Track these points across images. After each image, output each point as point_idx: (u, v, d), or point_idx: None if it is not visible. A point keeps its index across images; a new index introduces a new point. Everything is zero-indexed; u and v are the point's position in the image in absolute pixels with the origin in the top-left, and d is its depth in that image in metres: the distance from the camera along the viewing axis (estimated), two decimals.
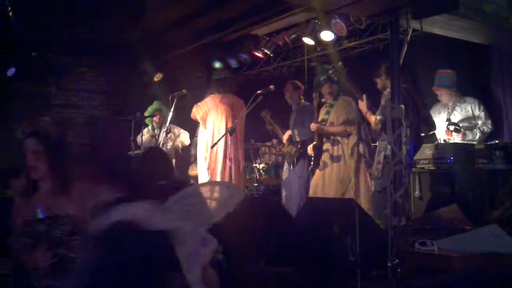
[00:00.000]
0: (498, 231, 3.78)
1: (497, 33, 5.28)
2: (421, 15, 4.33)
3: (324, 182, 5.61)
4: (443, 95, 6.02)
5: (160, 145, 6.33)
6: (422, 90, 5.85)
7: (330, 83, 5.65)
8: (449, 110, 6.00)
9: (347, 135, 5.53)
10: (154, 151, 3.86)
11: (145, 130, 7.39)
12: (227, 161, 5.75)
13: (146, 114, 7.10)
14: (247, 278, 3.87)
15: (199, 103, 6.11)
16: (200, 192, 3.08)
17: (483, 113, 5.88)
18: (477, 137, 5.84)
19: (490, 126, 5.86)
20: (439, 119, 5.96)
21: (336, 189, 5.49)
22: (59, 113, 9.27)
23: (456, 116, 5.96)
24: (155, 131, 7.09)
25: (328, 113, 5.65)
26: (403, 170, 3.97)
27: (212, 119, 5.93)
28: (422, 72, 6.20)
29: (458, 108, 5.96)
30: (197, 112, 6.05)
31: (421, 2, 4.25)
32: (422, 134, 5.33)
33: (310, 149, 5.69)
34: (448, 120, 5.91)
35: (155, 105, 7.23)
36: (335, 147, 5.56)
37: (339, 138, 5.56)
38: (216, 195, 3.08)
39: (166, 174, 3.33)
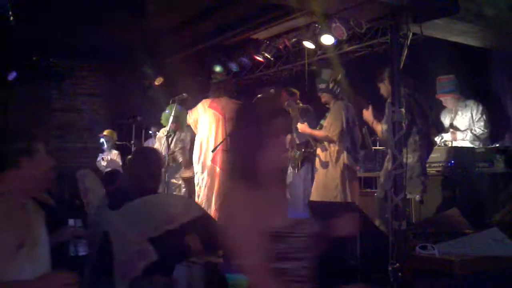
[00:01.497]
0: (499, 234, 3.77)
1: (498, 37, 5.28)
2: (421, 19, 4.34)
3: (315, 187, 5.68)
4: (448, 101, 6.00)
5: (165, 149, 6.34)
6: (427, 95, 5.84)
7: (322, 94, 5.73)
8: (452, 115, 6.00)
9: (331, 142, 5.54)
10: (140, 152, 3.79)
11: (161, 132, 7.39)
12: (212, 167, 5.77)
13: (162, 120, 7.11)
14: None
15: (192, 109, 6.14)
16: (152, 203, 3.09)
17: (479, 115, 5.86)
18: (467, 138, 5.81)
19: (483, 129, 5.82)
20: (444, 123, 5.99)
21: (322, 194, 5.51)
22: (60, 117, 9.28)
23: (459, 120, 5.95)
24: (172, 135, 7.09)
25: (325, 118, 5.70)
26: (404, 173, 3.97)
27: (202, 124, 5.96)
28: (423, 76, 6.19)
29: (459, 112, 5.96)
30: (189, 118, 6.11)
31: (421, 6, 4.25)
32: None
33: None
34: (451, 125, 5.92)
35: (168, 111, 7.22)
36: (324, 153, 5.61)
37: (326, 144, 5.59)
38: (165, 208, 3.10)
39: (147, 176, 3.28)
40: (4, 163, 2.16)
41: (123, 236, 2.83)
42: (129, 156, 3.58)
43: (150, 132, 8.19)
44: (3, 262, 2.08)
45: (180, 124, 6.57)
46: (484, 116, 5.84)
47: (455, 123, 5.98)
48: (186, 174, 6.87)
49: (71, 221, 2.81)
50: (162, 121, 7.06)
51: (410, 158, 4.70)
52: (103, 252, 2.81)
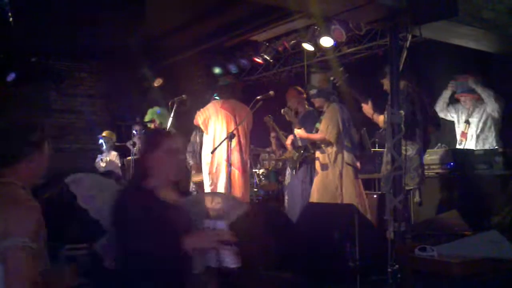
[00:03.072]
0: (498, 236, 3.78)
1: (497, 40, 5.29)
2: (420, 21, 4.34)
3: (315, 189, 5.71)
4: (467, 101, 6.01)
5: None
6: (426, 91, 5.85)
7: (314, 99, 5.84)
8: (469, 112, 6.03)
9: (329, 144, 5.58)
10: None
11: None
12: (228, 167, 5.73)
13: (146, 119, 7.11)
14: (245, 283, 3.87)
15: (201, 109, 6.10)
16: (203, 201, 3.09)
17: (495, 104, 5.87)
18: (482, 117, 5.86)
19: (498, 110, 5.84)
20: (460, 119, 6.02)
21: (323, 196, 5.54)
22: (59, 118, 9.27)
23: (475, 116, 5.97)
24: None
25: (320, 121, 5.75)
26: (403, 174, 3.97)
27: (213, 124, 5.93)
28: (424, 77, 6.20)
29: (476, 109, 5.98)
30: (199, 118, 6.03)
31: (420, 9, 4.26)
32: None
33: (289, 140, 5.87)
34: (467, 121, 5.96)
35: (149, 114, 7.22)
36: (322, 155, 5.67)
37: (323, 146, 5.64)
38: (216, 206, 3.08)
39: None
40: (19, 155, 2.19)
41: None
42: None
43: (134, 132, 8.02)
44: (41, 259, 2.11)
45: (161, 125, 6.70)
46: (499, 105, 5.85)
47: (471, 119, 6.00)
48: (197, 178, 6.78)
49: (220, 224, 2.40)
50: (146, 119, 7.07)
51: (409, 150, 4.74)
52: None
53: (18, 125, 2.29)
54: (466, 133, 5.95)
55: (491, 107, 5.87)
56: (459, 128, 6.11)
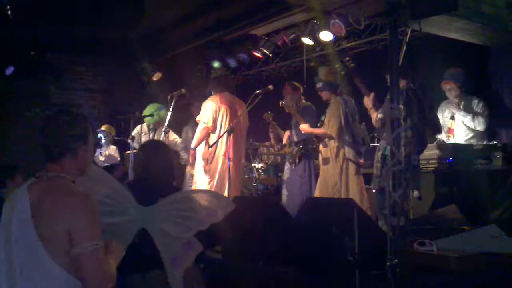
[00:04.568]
0: (497, 231, 3.80)
1: (496, 34, 5.29)
2: (420, 16, 4.34)
3: (318, 183, 5.75)
4: (452, 90, 6.01)
5: None
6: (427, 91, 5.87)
7: (321, 91, 5.82)
8: (454, 107, 6.04)
9: (331, 138, 5.61)
10: (158, 145, 3.63)
11: (140, 128, 7.27)
12: (226, 161, 5.73)
13: (145, 113, 7.07)
14: (245, 277, 3.88)
15: (205, 105, 6.03)
16: (191, 198, 3.07)
17: (481, 110, 5.91)
18: (464, 133, 5.90)
19: (481, 125, 5.88)
20: (444, 117, 6.04)
21: (323, 191, 5.56)
22: None
23: (461, 113, 5.98)
24: (150, 132, 7.10)
25: (325, 114, 5.77)
26: (402, 170, 3.97)
27: (219, 119, 5.89)
28: (423, 72, 6.21)
29: (461, 106, 6.01)
30: (207, 111, 5.92)
31: (419, 3, 4.26)
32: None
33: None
34: (452, 117, 5.97)
35: (149, 108, 7.17)
36: (325, 149, 5.70)
37: (326, 140, 5.66)
38: (205, 203, 3.07)
39: (169, 170, 3.27)
40: (63, 149, 2.15)
41: (166, 233, 2.83)
42: (140, 150, 3.38)
43: (139, 127, 7.99)
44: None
45: (162, 121, 6.66)
46: (485, 113, 5.88)
47: (456, 116, 6.01)
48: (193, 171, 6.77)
49: None
50: (146, 113, 7.04)
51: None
52: (139, 249, 2.76)
53: (62, 118, 2.21)
54: (453, 129, 5.98)
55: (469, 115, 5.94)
56: (444, 126, 6.11)
